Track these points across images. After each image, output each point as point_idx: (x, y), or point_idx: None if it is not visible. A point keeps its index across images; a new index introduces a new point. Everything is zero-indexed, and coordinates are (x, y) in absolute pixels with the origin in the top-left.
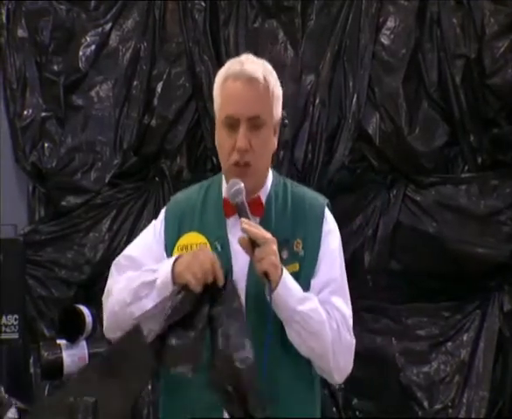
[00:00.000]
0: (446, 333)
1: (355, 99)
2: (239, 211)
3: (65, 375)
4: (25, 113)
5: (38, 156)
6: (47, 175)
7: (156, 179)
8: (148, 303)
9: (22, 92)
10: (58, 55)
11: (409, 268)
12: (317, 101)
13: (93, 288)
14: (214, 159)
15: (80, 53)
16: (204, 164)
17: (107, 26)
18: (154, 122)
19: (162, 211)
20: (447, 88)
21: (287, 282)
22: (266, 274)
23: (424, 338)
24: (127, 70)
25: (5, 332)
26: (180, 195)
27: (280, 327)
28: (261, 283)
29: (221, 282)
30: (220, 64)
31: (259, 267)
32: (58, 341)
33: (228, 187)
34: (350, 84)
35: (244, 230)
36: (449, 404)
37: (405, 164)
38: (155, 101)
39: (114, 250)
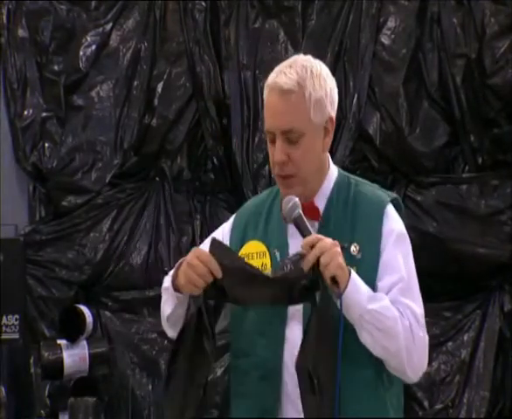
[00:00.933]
0: (446, 333)
1: (355, 99)
2: (298, 227)
3: (65, 375)
4: (26, 113)
5: (39, 156)
6: (48, 175)
7: (157, 179)
8: (167, 308)
9: (22, 92)
10: (58, 55)
11: None
12: None
13: (94, 288)
14: (214, 159)
15: (81, 53)
16: (204, 164)
17: (108, 26)
18: (154, 122)
19: (230, 220)
20: (448, 88)
21: (356, 281)
22: (334, 279)
23: None
24: (127, 70)
25: (6, 332)
26: (251, 201)
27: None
28: (330, 290)
29: (219, 275)
30: (220, 64)
31: (326, 274)
32: (59, 341)
33: (283, 205)
34: (351, 84)
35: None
36: (449, 404)
37: (406, 164)
38: (156, 101)
39: (115, 250)
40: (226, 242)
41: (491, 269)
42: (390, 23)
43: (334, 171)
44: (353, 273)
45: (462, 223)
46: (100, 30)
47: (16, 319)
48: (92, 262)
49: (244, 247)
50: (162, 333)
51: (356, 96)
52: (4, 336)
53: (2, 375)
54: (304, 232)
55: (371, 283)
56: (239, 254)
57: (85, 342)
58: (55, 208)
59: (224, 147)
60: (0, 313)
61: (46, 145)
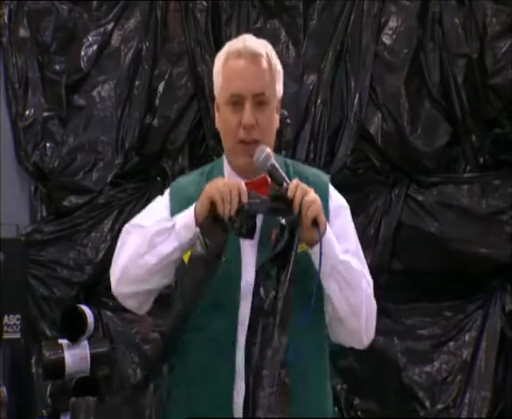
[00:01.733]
0: (447, 333)
1: (357, 99)
2: (273, 175)
3: (66, 375)
4: (27, 112)
5: (40, 156)
6: (49, 175)
7: (158, 179)
8: (164, 248)
9: (24, 92)
10: (60, 55)
11: (411, 268)
12: (319, 101)
13: (95, 288)
14: (216, 159)
15: (82, 53)
16: (205, 164)
17: (109, 26)
18: (156, 122)
19: (166, 197)
20: (449, 88)
21: (330, 232)
22: (314, 221)
23: (426, 337)
24: (128, 70)
25: (7, 331)
26: (182, 181)
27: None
28: (306, 235)
29: (245, 199)
30: None
31: (310, 213)
32: (60, 341)
33: (255, 157)
34: (352, 84)
35: (291, 195)
36: (451, 404)
37: (407, 164)
38: (157, 101)
39: None
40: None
41: (492, 269)
42: (392, 23)
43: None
44: (327, 224)
45: (464, 223)
46: (102, 30)
47: (17, 319)
48: (93, 262)
49: None
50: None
51: (357, 96)
52: (6, 336)
53: (3, 375)
54: (280, 180)
55: None
56: None
57: (86, 342)
58: (56, 207)
59: None
60: (1, 313)
61: (48, 145)
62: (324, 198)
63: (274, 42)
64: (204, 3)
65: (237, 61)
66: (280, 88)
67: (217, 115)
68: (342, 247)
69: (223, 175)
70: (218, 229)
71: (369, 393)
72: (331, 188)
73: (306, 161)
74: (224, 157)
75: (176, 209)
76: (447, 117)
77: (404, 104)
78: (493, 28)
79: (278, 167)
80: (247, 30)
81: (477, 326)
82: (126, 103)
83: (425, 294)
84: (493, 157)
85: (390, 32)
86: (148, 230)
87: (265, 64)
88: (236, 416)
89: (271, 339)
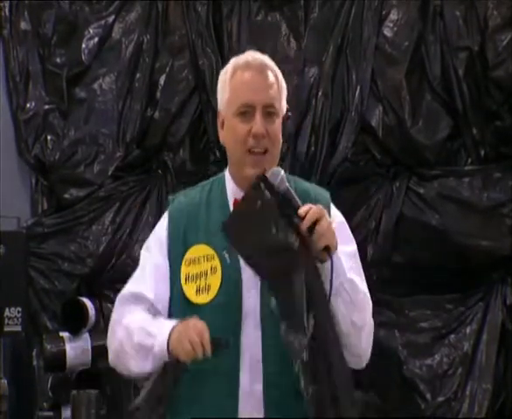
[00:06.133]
0: (448, 326)
1: (358, 92)
2: (286, 199)
3: (67, 368)
4: (28, 105)
5: (41, 149)
6: (50, 168)
7: (159, 172)
8: (147, 366)
9: (25, 85)
10: (61, 47)
11: (412, 260)
12: (320, 94)
13: (96, 281)
14: (217, 152)
15: (83, 46)
16: (206, 157)
17: (110, 19)
18: (157, 115)
19: (165, 218)
20: (450, 81)
21: (339, 250)
22: (327, 248)
23: (427, 330)
24: (129, 62)
25: (8, 324)
26: (182, 199)
27: None
28: (319, 258)
29: (208, 354)
30: (223, 56)
31: (322, 241)
32: (61, 334)
33: (270, 178)
34: (353, 76)
35: (306, 222)
36: (452, 397)
37: (408, 157)
38: (158, 94)
39: (117, 242)
40: (165, 249)
41: (493, 261)
42: (393, 15)
43: None
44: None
45: (464, 216)
46: (103, 22)
47: (18, 312)
48: (94, 254)
49: (188, 252)
50: None
51: (358, 89)
52: (7, 329)
53: (4, 368)
54: (293, 204)
55: None
56: (184, 260)
57: (87, 335)
58: (57, 200)
59: None
60: (2, 306)
61: (49, 137)
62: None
63: (275, 35)
64: None
65: (246, 73)
66: (284, 104)
67: (221, 131)
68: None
69: (225, 192)
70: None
71: (370, 385)
72: (332, 206)
73: (307, 154)
74: (225, 172)
75: (175, 240)
76: (448, 110)
77: (406, 97)
78: (494, 21)
79: (291, 190)
80: (249, 23)
81: (478, 318)
82: (127, 96)
83: (426, 287)
84: (494, 150)
85: (392, 25)
86: (133, 334)
87: (272, 76)
88: (240, 414)
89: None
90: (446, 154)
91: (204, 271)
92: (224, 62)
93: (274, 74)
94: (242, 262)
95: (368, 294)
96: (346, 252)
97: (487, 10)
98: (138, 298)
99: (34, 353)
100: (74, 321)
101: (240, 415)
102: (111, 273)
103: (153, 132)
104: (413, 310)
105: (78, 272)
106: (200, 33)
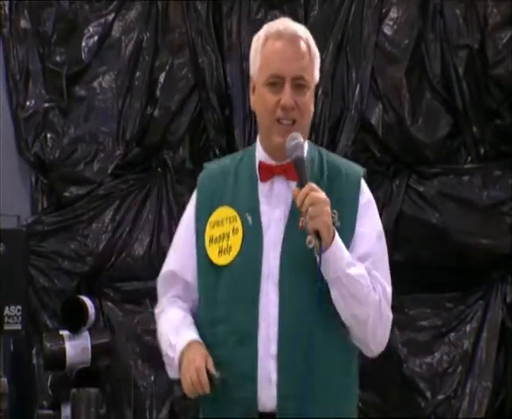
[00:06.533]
0: (448, 324)
1: (357, 90)
2: (297, 168)
3: (67, 366)
4: (28, 103)
5: (41, 147)
6: (50, 166)
7: (159, 170)
8: (171, 373)
9: (25, 83)
10: (60, 46)
11: (412, 259)
12: (320, 92)
13: (96, 279)
14: (217, 150)
15: (83, 44)
16: (206, 155)
17: (110, 17)
18: (156, 113)
19: (195, 192)
20: (450, 79)
21: (339, 244)
22: (317, 233)
23: (427, 328)
24: (129, 61)
25: (8, 322)
26: (213, 166)
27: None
28: (309, 242)
29: (206, 390)
30: (223, 55)
31: (311, 225)
32: (61, 332)
33: (287, 140)
34: (353, 74)
35: (301, 195)
36: (452, 395)
37: (408, 155)
38: (158, 92)
39: (117, 240)
40: (193, 221)
41: (493, 260)
42: (393, 13)
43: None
44: (337, 236)
45: (464, 214)
46: (103, 20)
47: (18, 310)
48: (94, 253)
49: (213, 215)
50: None
51: (358, 87)
52: (7, 327)
53: (4, 366)
54: (301, 177)
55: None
56: (209, 222)
57: (87, 333)
58: (57, 198)
59: (227, 137)
60: (2, 304)
61: (49, 136)
62: (355, 193)
63: None
64: None
65: (277, 42)
66: (317, 74)
67: (252, 97)
68: (356, 253)
69: (254, 158)
70: None
71: (369, 384)
72: (363, 183)
73: None
74: (256, 142)
75: (202, 204)
76: (448, 108)
77: (405, 95)
78: (494, 19)
79: (304, 161)
80: (248, 22)
81: (478, 316)
82: (127, 94)
83: (426, 285)
84: (494, 148)
85: (391, 23)
86: (163, 335)
87: (304, 47)
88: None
89: None
90: (446, 152)
91: (227, 232)
92: (224, 60)
93: (307, 44)
94: (264, 224)
95: (380, 287)
96: (365, 233)
97: (487, 8)
98: (173, 278)
99: (34, 352)
100: (74, 320)
101: (258, 374)
102: (111, 271)
103: (153, 130)
104: (413, 308)
105: (78, 271)
106: (200, 31)
